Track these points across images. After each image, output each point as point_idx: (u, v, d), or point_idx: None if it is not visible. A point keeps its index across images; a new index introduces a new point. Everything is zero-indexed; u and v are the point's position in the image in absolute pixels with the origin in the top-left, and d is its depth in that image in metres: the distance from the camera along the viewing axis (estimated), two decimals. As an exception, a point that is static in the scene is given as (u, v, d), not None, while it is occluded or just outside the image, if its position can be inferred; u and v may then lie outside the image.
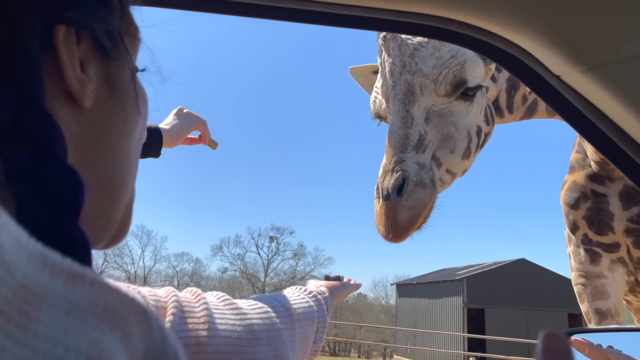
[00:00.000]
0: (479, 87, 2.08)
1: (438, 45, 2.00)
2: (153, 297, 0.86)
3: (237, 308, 0.97)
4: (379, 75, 2.21)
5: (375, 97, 2.24)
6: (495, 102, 2.39)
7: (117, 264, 45.28)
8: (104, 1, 0.53)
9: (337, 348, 45.53)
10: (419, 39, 2.03)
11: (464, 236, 79.64)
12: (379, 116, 2.26)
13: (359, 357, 35.72)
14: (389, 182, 1.85)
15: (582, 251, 3.21)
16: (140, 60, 0.60)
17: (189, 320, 0.86)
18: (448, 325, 28.05)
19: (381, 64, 2.16)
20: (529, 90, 2.37)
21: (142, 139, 0.60)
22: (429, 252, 77.33)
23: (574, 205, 3.10)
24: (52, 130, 0.42)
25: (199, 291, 0.95)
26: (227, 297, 0.99)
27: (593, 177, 3.02)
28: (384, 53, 2.14)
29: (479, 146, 2.17)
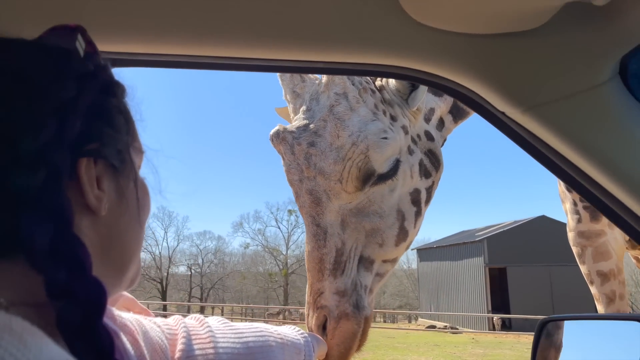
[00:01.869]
0: (396, 163, 1.73)
1: (335, 130, 1.66)
2: (166, 327, 1.03)
3: (235, 329, 1.15)
4: None
5: None
6: (454, 107, 2.07)
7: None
8: (114, 125, 0.67)
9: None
10: (313, 126, 1.71)
11: (482, 197, 79.33)
12: None
13: (384, 322, 36.44)
14: (311, 321, 1.65)
15: (580, 209, 3.16)
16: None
17: (196, 342, 1.03)
18: (470, 286, 28.36)
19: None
20: None
21: (146, 216, 0.75)
22: (447, 215, 77.36)
23: None
24: (81, 250, 0.55)
25: (201, 317, 1.13)
26: (226, 320, 1.17)
27: None
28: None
29: (423, 209, 1.87)
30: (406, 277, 53.32)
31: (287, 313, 33.85)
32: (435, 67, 0.91)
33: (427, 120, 1.97)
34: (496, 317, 24.62)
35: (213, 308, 39.35)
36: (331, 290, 1.65)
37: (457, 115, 2.09)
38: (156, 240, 47.22)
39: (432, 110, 1.98)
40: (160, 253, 46.68)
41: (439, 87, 0.96)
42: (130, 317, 0.91)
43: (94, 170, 0.62)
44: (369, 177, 1.69)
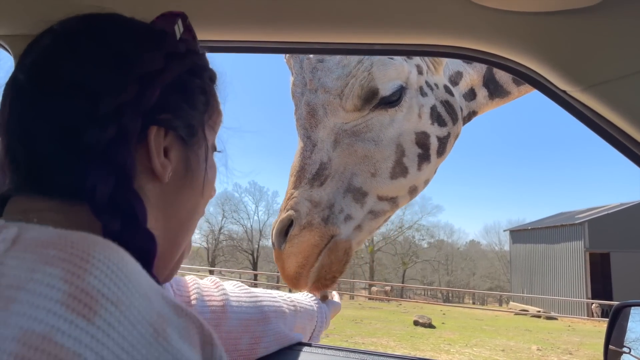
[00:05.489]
0: (400, 89, 1.70)
1: None
2: (177, 286, 1.08)
3: (251, 292, 1.19)
4: None
5: None
6: (491, 81, 1.97)
7: (235, 219, 48.89)
8: (192, 102, 0.72)
9: (450, 295, 45.57)
10: None
11: (585, 178, 73.80)
12: None
13: (473, 303, 35.55)
14: (275, 224, 1.60)
15: None
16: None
17: (209, 303, 1.08)
18: (568, 272, 26.76)
19: None
20: None
21: (209, 194, 0.79)
22: (544, 196, 73.04)
23: None
24: (137, 203, 0.60)
25: (217, 279, 1.18)
26: (243, 284, 1.22)
27: None
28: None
29: (433, 157, 1.78)
30: (497, 259, 51.38)
31: (372, 289, 33.91)
32: (493, 46, 0.92)
33: (454, 82, 1.93)
34: (595, 305, 23.08)
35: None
36: (304, 196, 1.59)
37: (495, 92, 1.99)
38: (248, 214, 49.54)
39: (459, 74, 1.94)
40: (251, 226, 48.92)
41: (498, 66, 0.97)
42: None
43: (162, 139, 0.67)
44: (371, 97, 1.67)
